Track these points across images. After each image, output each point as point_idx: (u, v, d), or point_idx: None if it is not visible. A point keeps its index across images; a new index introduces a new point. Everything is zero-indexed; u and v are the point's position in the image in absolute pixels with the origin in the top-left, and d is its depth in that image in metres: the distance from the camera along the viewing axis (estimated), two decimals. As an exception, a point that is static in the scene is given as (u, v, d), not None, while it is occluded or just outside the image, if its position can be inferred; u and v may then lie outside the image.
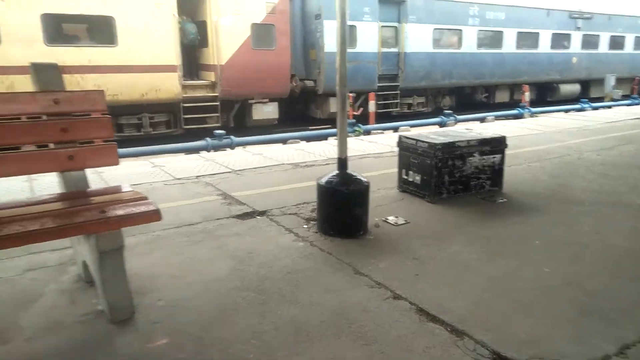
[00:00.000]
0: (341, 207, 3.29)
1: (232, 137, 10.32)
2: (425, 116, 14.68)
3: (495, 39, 16.15)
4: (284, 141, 11.06)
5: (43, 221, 1.99)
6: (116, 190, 2.46)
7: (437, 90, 15.94)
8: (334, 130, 12.18)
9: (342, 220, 3.30)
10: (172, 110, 11.40)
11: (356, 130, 11.48)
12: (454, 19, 15.09)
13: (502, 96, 17.30)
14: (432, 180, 4.07)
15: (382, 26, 13.83)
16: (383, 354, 2.02)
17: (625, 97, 18.24)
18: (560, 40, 17.74)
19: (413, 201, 4.16)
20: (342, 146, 3.37)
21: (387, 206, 4.00)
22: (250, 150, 7.09)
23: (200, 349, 2.03)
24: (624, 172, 5.27)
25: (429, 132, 4.82)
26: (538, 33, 17.05)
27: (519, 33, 16.54)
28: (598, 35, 18.81)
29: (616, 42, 19.43)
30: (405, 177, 4.38)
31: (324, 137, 11.50)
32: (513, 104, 16.48)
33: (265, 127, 12.35)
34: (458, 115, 13.90)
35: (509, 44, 16.42)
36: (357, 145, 6.95)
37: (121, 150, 7.92)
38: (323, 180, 3.35)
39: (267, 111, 12.70)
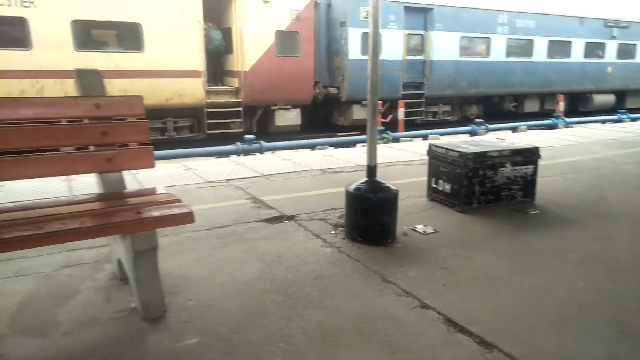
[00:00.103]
0: (369, 214, 3.30)
1: (261, 141, 10.43)
2: (452, 125, 14.50)
3: (525, 47, 15.83)
4: (312, 147, 11.11)
5: (82, 220, 2.07)
6: (151, 192, 2.54)
7: (463, 98, 15.73)
8: (362, 137, 12.22)
9: (370, 227, 3.30)
10: (196, 115, 11.59)
11: (385, 138, 11.44)
12: (482, 27, 14.89)
13: (532, 106, 16.92)
14: (463, 189, 4.02)
15: (408, 34, 13.77)
16: (410, 363, 2.01)
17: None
18: (594, 49, 17.25)
19: (442, 210, 4.12)
20: (372, 153, 3.38)
21: (415, 214, 3.97)
22: (279, 155, 7.16)
23: (229, 350, 2.07)
24: (664, 186, 5.08)
25: (460, 141, 4.78)
26: (570, 42, 16.64)
27: (551, 42, 16.17)
28: (635, 45, 18.21)
29: None
30: (435, 185, 4.34)
31: (352, 144, 11.52)
32: (543, 114, 16.12)
33: (287, 134, 12.43)
34: (489, 124, 13.66)
35: (540, 53, 16.07)
36: (386, 153, 6.93)
37: (155, 153, 8.12)
38: (352, 187, 3.36)
39: (289, 117, 12.79)
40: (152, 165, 2.57)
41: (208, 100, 11.50)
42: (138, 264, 2.23)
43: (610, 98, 18.32)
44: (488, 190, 4.14)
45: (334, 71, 13.69)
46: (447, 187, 4.18)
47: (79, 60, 9.73)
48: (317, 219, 3.83)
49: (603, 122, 14.75)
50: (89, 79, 2.51)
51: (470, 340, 2.16)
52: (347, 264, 2.98)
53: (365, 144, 11.69)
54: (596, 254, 3.20)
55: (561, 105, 15.20)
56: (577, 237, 3.53)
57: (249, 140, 10.27)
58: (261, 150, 10.22)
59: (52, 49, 9.55)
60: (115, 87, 10.20)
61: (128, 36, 10.43)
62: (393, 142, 11.18)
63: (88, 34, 10.17)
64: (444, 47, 14.37)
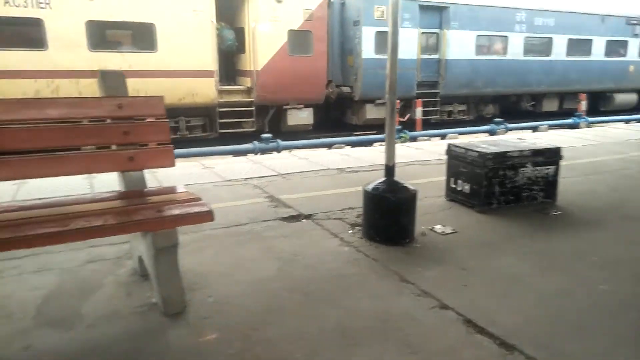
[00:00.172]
0: (387, 214, 3.29)
1: (278, 140, 10.48)
2: (468, 124, 14.34)
3: (543, 45, 15.54)
4: (329, 146, 11.12)
5: (106, 217, 2.11)
6: (171, 190, 2.57)
7: (479, 98, 15.53)
8: (379, 136, 12.18)
9: (388, 227, 3.29)
10: (208, 114, 11.65)
11: (402, 137, 11.38)
12: (499, 25, 14.66)
13: (550, 105, 16.62)
14: (482, 190, 3.98)
15: (423, 32, 13.65)
16: (429, 364, 2.00)
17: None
18: (616, 47, 16.87)
19: (461, 211, 4.09)
20: (390, 153, 3.36)
21: (434, 215, 3.95)
22: (296, 154, 7.19)
23: (248, 347, 2.09)
24: (691, 187, 4.95)
25: (479, 140, 4.73)
26: (591, 40, 16.29)
27: (570, 40, 15.86)
28: None
29: None
30: (454, 185, 4.30)
31: (369, 143, 11.49)
32: (562, 113, 15.83)
33: (300, 133, 12.43)
34: (509, 123, 13.48)
35: (559, 51, 15.77)
36: (403, 152, 6.89)
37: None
38: (370, 187, 3.35)
39: (302, 117, 12.77)
40: (172, 164, 2.61)
41: (220, 100, 11.55)
42: (159, 261, 2.27)
43: (632, 97, 17.90)
44: (508, 190, 4.08)
45: (347, 70, 13.65)
46: (467, 187, 4.14)
47: (93, 60, 9.86)
48: (335, 218, 3.83)
49: (627, 121, 14.43)
50: (112, 80, 2.56)
51: (490, 341, 2.14)
52: (365, 264, 2.97)
53: (382, 143, 11.67)
54: (620, 257, 3.13)
55: (583, 105, 14.92)
56: (600, 239, 3.46)
57: (266, 139, 10.33)
58: (278, 149, 10.27)
59: (67, 50, 9.68)
60: (129, 86, 10.30)
61: (141, 36, 10.52)
62: (410, 141, 11.12)
63: (102, 35, 10.29)
64: (460, 45, 14.20)
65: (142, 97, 2.61)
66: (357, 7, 12.91)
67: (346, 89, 13.55)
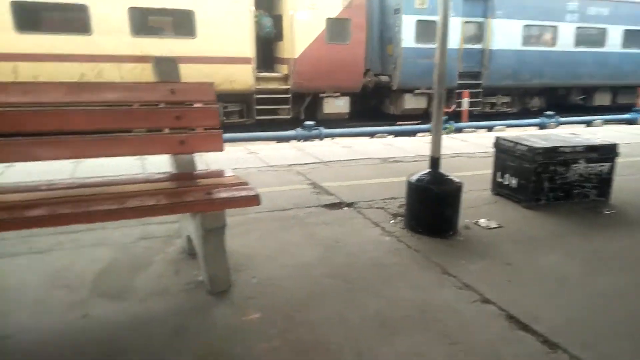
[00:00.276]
0: (431, 206, 3.26)
1: (321, 128, 10.52)
2: (512, 117, 13.81)
3: (597, 36, 14.72)
4: (371, 135, 11.05)
5: (158, 198, 2.20)
6: (220, 174, 2.65)
7: (524, 90, 14.91)
8: (423, 126, 11.99)
9: (431, 219, 3.26)
10: (245, 100, 11.75)
11: (447, 128, 11.16)
12: (548, 14, 13.99)
13: (603, 99, 15.78)
14: (530, 185, 3.86)
15: (466, 22, 13.21)
16: (468, 356, 1.99)
17: None
18: None
19: (507, 205, 3.99)
20: (436, 145, 3.31)
21: (478, 208, 3.87)
22: (338, 143, 7.20)
23: (290, 327, 2.14)
24: None
25: (529, 134, 4.59)
26: None
27: (626, 31, 14.92)
28: None
29: None
30: (500, 180, 4.20)
31: (413, 133, 11.34)
32: (615, 108, 14.99)
33: (336, 122, 12.36)
34: (560, 117, 12.93)
35: (614, 43, 14.90)
36: (448, 144, 6.75)
37: (219, 136, 8.40)
38: (414, 178, 3.33)
39: (338, 105, 12.69)
40: (221, 149, 2.67)
41: (257, 87, 11.64)
42: (207, 241, 2.35)
43: None
44: (558, 187, 3.95)
45: (386, 59, 13.43)
46: (514, 181, 4.03)
47: (135, 45, 10.17)
48: (377, 208, 3.83)
49: (691, 118, 13.53)
50: (165, 66, 2.64)
51: (533, 338, 2.10)
52: (406, 254, 2.97)
53: (426, 134, 11.51)
54: (677, 260, 2.98)
55: (644, 99, 14.10)
56: (656, 240, 3.31)
57: (309, 127, 10.40)
58: (320, 137, 10.31)
59: (110, 35, 10.01)
60: None
61: (181, 23, 10.72)
62: (455, 132, 10.88)
63: (144, 21, 10.55)
64: (505, 35, 13.67)
65: (194, 82, 2.68)
66: None
67: (384, 78, 13.36)
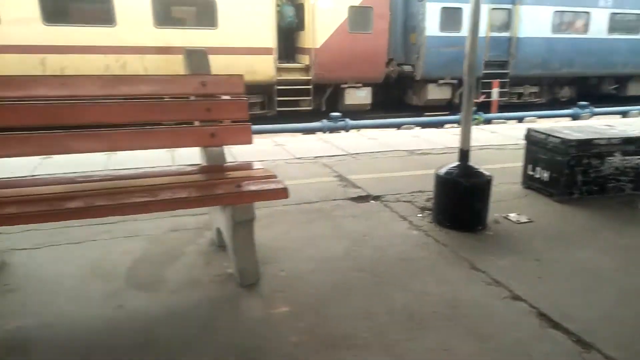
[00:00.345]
0: (460, 199, 3.22)
1: (347, 119, 10.48)
2: (540, 107, 13.38)
3: (633, 23, 14.05)
4: (397, 126, 10.95)
5: (190, 190, 2.24)
6: (249, 166, 2.67)
7: (554, 79, 14.39)
8: (451, 117, 11.81)
9: (460, 213, 3.23)
10: (266, 92, 11.65)
11: (476, 119, 10.95)
12: (580, 0, 13.43)
13: (637, 89, 15.10)
14: (563, 178, 3.77)
15: (492, 8, 12.82)
16: (498, 353, 1.97)
17: None
18: None
19: (538, 199, 3.90)
20: (465, 137, 3.26)
21: (508, 202, 3.80)
22: (365, 135, 7.16)
23: (317, 321, 2.16)
24: None
25: (563, 126, 4.46)
26: None
27: None
28: None
29: None
30: (531, 172, 4.11)
31: (440, 124, 11.18)
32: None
33: (357, 113, 12.22)
34: (594, 107, 12.52)
35: None
36: (477, 135, 6.63)
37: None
38: (442, 171, 3.29)
39: (360, 96, 12.49)
40: (250, 141, 2.69)
41: (279, 78, 11.53)
42: (236, 234, 2.39)
43: None
44: (592, 180, 3.84)
45: (409, 48, 13.16)
46: (545, 174, 3.94)
47: (158, 36, 10.18)
48: (404, 201, 3.81)
49: None
50: (196, 58, 2.67)
51: (565, 337, 2.07)
52: (434, 248, 2.95)
53: (454, 125, 11.30)
54: None
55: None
56: (696, 237, 3.18)
57: (335, 118, 10.37)
58: (346, 128, 10.28)
59: (134, 26, 10.03)
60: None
61: (203, 13, 10.66)
62: (485, 123, 10.68)
63: (166, 11, 10.53)
64: (534, 22, 13.17)
65: (224, 75, 2.70)
66: None
67: (407, 68, 13.12)
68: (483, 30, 12.76)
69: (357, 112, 12.30)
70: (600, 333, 2.09)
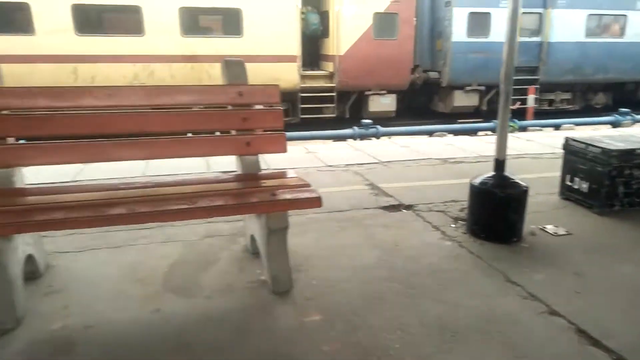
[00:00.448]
0: (495, 210, 3.16)
1: (378, 127, 10.44)
2: (572, 115, 12.89)
3: None
4: (429, 133, 10.84)
5: (226, 198, 2.30)
6: (283, 175, 2.72)
7: (587, 85, 13.87)
8: (485, 124, 11.59)
9: (494, 224, 3.17)
10: (290, 99, 11.64)
11: (511, 126, 10.72)
12: (616, 2, 12.92)
13: None
14: (603, 189, 3.65)
15: (523, 13, 12.47)
16: (535, 370, 1.93)
17: None
18: None
19: (577, 211, 3.80)
20: (501, 146, 3.21)
21: (545, 213, 3.71)
22: (396, 142, 7.13)
23: (349, 330, 2.17)
24: None
25: (603, 135, 4.33)
26: None
27: None
28: None
29: None
30: (569, 183, 4.00)
31: (474, 132, 11.00)
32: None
33: (382, 120, 12.14)
34: (636, 114, 12.04)
35: None
36: (513, 143, 6.48)
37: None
38: (477, 181, 3.25)
39: (384, 103, 12.36)
40: (284, 150, 2.74)
41: (302, 85, 11.55)
42: (270, 241, 2.43)
43: None
44: (634, 192, 3.70)
45: (436, 54, 12.97)
46: (584, 185, 3.83)
47: (184, 45, 10.38)
48: (437, 211, 3.77)
49: None
50: (234, 69, 2.73)
51: (605, 355, 2.00)
52: (468, 260, 2.91)
53: (488, 133, 11.05)
54: None
55: None
56: None
57: (366, 125, 10.35)
58: (377, 135, 10.25)
59: (162, 35, 10.27)
60: (216, 70, 10.67)
61: (228, 22, 10.80)
62: (519, 131, 10.44)
63: (193, 20, 10.72)
64: (567, 26, 12.77)
65: (260, 85, 2.75)
66: None
67: (434, 75, 12.95)
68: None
69: (381, 119, 12.26)
70: (643, 352, 2.01)
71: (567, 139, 4.09)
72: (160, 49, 10.36)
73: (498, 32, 12.22)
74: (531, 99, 12.26)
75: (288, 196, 2.34)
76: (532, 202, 3.65)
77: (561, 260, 2.91)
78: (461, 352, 2.04)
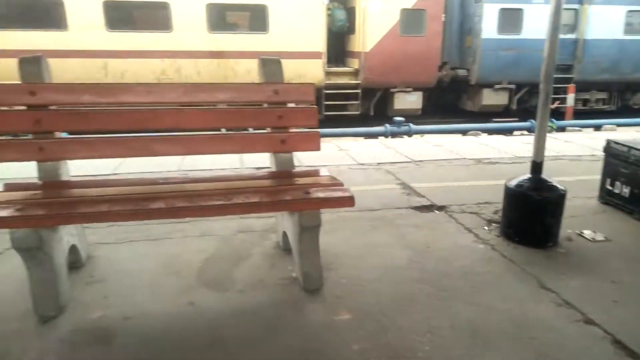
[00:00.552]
0: (531, 214, 3.10)
1: (410, 124, 10.35)
2: (608, 115, 12.33)
3: None
4: (463, 132, 10.66)
5: (261, 195, 2.34)
6: (316, 173, 2.74)
7: (625, 84, 13.27)
8: (521, 124, 11.30)
9: (530, 228, 3.11)
10: (315, 96, 11.60)
11: (549, 126, 10.42)
12: None
13: None
14: (646, 195, 3.53)
15: None
16: (568, 380, 1.89)
17: None
18: None
19: (616, 216, 3.68)
20: (539, 148, 3.13)
21: (583, 218, 3.61)
22: (429, 141, 7.05)
23: (378, 330, 2.18)
24: None
25: (647, 138, 4.16)
26: None
27: None
28: None
29: None
30: (610, 187, 3.87)
31: (509, 131, 10.76)
32: None
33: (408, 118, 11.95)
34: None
35: None
36: (550, 144, 6.30)
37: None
38: (513, 183, 3.19)
39: (410, 101, 12.16)
40: (318, 148, 2.76)
41: (327, 82, 11.49)
42: (302, 239, 2.46)
43: None
44: (679, 198, 3.56)
45: (465, 52, 12.68)
46: (626, 190, 3.70)
47: (211, 41, 10.44)
48: (470, 212, 3.73)
49: None
50: (270, 67, 2.77)
51: (644, 368, 1.95)
52: (501, 264, 2.87)
53: (524, 133, 10.77)
54: None
55: None
56: None
57: (398, 123, 10.27)
58: (409, 133, 10.16)
59: (189, 32, 10.37)
60: (241, 67, 10.71)
61: (254, 18, 10.83)
62: (557, 131, 10.14)
63: (219, 17, 10.79)
64: (604, 23, 12.29)
65: (296, 83, 2.80)
66: None
67: (462, 72, 12.65)
68: (545, 32, 11.96)
69: (406, 117, 12.13)
70: (684, 367, 1.95)
71: (608, 141, 3.96)
72: (187, 45, 10.49)
73: (530, 28, 11.87)
74: (571, 98, 11.88)
75: (321, 195, 2.37)
76: (570, 206, 3.56)
77: (598, 268, 2.83)
78: (492, 357, 2.02)
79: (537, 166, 3.15)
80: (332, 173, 2.70)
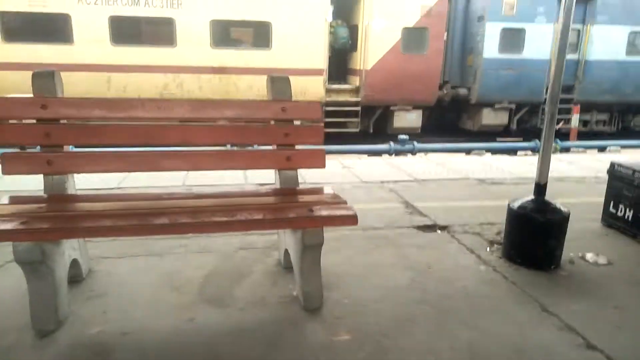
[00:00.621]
0: (533, 236, 3.09)
1: (414, 142, 10.39)
2: (609, 137, 12.33)
3: None
4: (467, 151, 10.69)
5: (264, 212, 2.35)
6: (320, 191, 2.75)
7: (626, 106, 13.25)
8: (525, 144, 11.32)
9: (532, 250, 3.10)
10: None
11: (553, 147, 10.43)
12: None
13: None
14: (649, 219, 3.51)
15: None
16: (570, 407, 1.87)
17: None
18: None
19: (619, 240, 3.66)
20: (544, 169, 3.13)
21: (585, 241, 3.60)
22: (432, 160, 7.07)
23: (378, 352, 2.17)
24: None
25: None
26: None
27: None
28: None
29: None
30: (613, 210, 3.86)
31: (513, 151, 10.78)
32: None
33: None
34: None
35: None
36: (554, 165, 6.28)
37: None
38: (516, 204, 3.19)
39: (409, 119, 12.20)
40: (323, 166, 2.77)
41: (328, 99, 11.55)
42: (304, 257, 2.45)
43: None
44: (683, 223, 3.55)
45: (466, 70, 12.74)
46: (630, 213, 3.69)
47: (214, 57, 10.56)
48: (472, 233, 3.72)
49: None
50: (279, 85, 2.80)
51: (646, 396, 1.92)
52: (503, 286, 2.85)
53: (528, 153, 10.78)
54: None
55: None
56: None
57: (402, 141, 10.31)
58: (413, 152, 10.19)
59: (193, 47, 10.50)
60: (244, 83, 10.79)
61: (258, 34, 10.97)
62: (561, 152, 10.15)
63: (222, 33, 10.93)
64: (606, 43, 12.31)
65: (304, 101, 2.82)
66: (482, 2, 11.96)
67: (462, 91, 12.69)
68: (547, 53, 12.06)
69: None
70: (688, 396, 1.92)
71: (612, 164, 3.96)
72: (191, 60, 10.61)
73: (532, 48, 11.93)
74: (575, 118, 11.90)
75: (325, 213, 2.37)
76: (572, 228, 3.54)
77: (601, 292, 2.81)
78: (493, 381, 2.00)
79: (540, 188, 3.15)
80: (335, 190, 2.71)
